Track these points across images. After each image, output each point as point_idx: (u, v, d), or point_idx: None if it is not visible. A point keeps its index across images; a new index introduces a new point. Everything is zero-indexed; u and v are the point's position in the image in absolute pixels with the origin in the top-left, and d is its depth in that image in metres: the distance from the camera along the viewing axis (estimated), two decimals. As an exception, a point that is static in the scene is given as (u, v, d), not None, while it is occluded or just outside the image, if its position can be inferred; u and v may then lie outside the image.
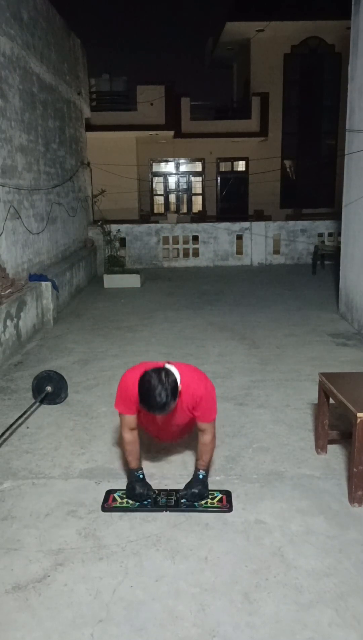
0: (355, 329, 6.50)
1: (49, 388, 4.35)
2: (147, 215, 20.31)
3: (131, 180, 18.52)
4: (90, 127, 13.17)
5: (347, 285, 6.94)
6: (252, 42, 20.11)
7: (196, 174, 22.51)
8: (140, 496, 2.95)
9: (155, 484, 3.13)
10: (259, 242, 12.22)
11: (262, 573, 2.45)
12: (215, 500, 2.98)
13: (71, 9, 12.80)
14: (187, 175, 22.58)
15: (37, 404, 4.35)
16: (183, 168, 22.52)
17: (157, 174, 22.40)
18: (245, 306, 7.94)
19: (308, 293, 8.84)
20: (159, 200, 22.53)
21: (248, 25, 19.20)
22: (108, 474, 3.33)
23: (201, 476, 3.00)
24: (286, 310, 7.59)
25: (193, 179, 22.56)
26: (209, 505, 2.95)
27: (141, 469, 3.05)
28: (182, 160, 22.26)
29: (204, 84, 29.36)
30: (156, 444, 3.55)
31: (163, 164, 22.30)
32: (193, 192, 22.62)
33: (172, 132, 19.61)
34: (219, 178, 22.19)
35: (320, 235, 12.37)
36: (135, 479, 3.01)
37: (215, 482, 3.20)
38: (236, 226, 12.44)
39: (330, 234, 12.31)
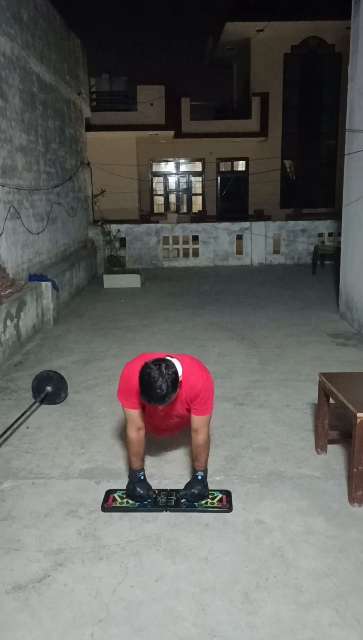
0: (355, 329, 6.50)
1: (49, 388, 4.35)
2: (147, 215, 20.31)
3: (131, 180, 18.52)
4: (90, 127, 13.17)
5: (347, 285, 6.94)
6: (252, 42, 20.11)
7: (196, 174, 22.52)
8: (140, 496, 2.95)
9: (155, 484, 3.13)
10: (259, 242, 12.22)
11: (262, 573, 2.45)
12: (215, 500, 2.98)
13: (71, 9, 12.81)
14: (187, 175, 22.59)
15: (37, 404, 4.35)
16: (183, 168, 22.53)
17: (157, 174, 22.41)
18: (245, 306, 7.94)
19: (308, 293, 8.84)
20: (159, 200, 22.54)
21: (248, 25, 19.20)
22: (108, 474, 3.33)
23: (199, 477, 3.00)
24: (286, 310, 7.60)
25: (193, 179, 22.57)
26: (209, 505, 2.95)
27: (143, 470, 3.05)
28: (182, 160, 22.26)
29: (204, 84, 29.39)
30: (156, 444, 3.55)
31: (163, 164, 22.30)
32: (193, 192, 22.62)
33: (172, 132, 19.61)
34: (219, 178, 22.20)
35: (320, 235, 12.37)
36: (136, 479, 3.01)
37: (215, 482, 3.20)
38: (236, 226, 12.44)
39: (330, 234, 12.31)
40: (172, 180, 22.51)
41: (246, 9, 18.87)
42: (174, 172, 22.45)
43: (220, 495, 3.02)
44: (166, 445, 3.58)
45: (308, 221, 12.74)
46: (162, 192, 22.51)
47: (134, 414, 2.91)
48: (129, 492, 2.99)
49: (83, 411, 4.31)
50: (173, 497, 2.99)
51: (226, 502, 2.97)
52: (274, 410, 4.24)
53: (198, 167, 22.41)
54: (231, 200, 22.06)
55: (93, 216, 12.42)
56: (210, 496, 3.01)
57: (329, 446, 3.55)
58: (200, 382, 2.81)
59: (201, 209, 21.86)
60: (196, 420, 2.89)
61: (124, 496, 3.02)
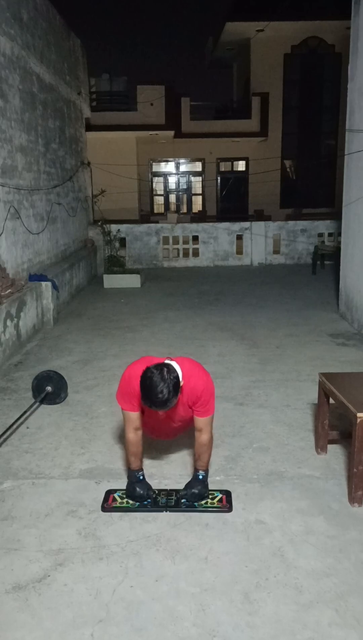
0: (355, 329, 6.50)
1: (49, 388, 4.35)
2: (147, 215, 20.31)
3: (131, 180, 18.51)
4: (90, 127, 13.17)
5: (347, 285, 6.94)
6: (252, 42, 20.11)
7: (196, 174, 22.51)
8: (140, 497, 2.95)
9: (155, 484, 3.13)
10: (259, 242, 12.22)
11: (262, 573, 2.45)
12: (215, 500, 2.98)
13: (71, 9, 12.81)
14: (187, 175, 22.59)
15: (37, 404, 4.35)
16: (183, 168, 22.53)
17: (157, 174, 22.40)
18: (245, 306, 7.94)
19: (308, 293, 8.84)
20: (159, 200, 22.54)
21: (248, 25, 19.20)
22: (108, 474, 3.33)
23: (200, 476, 3.00)
24: (286, 310, 7.60)
25: (193, 179, 22.57)
26: (209, 505, 2.95)
27: (141, 470, 3.05)
28: (182, 160, 22.26)
29: (204, 84, 29.37)
30: (156, 444, 3.55)
31: (163, 164, 22.30)
32: (193, 192, 22.62)
33: (172, 132, 19.61)
34: (219, 178, 22.19)
35: (320, 235, 12.37)
36: (135, 479, 3.01)
37: (215, 482, 3.20)
38: (236, 226, 12.43)
39: (330, 234, 12.31)
40: (172, 180, 22.51)
41: (246, 9, 18.87)
42: (174, 172, 22.44)
43: (220, 495, 3.02)
44: (166, 445, 3.58)
45: (308, 221, 12.73)
46: (162, 192, 22.51)
47: (133, 416, 2.92)
48: (129, 492, 2.99)
49: (83, 411, 4.31)
50: (173, 497, 2.99)
51: (226, 502, 2.97)
52: (274, 410, 4.24)
53: (198, 167, 22.40)
54: (231, 200, 22.06)
55: (93, 216, 12.42)
56: (210, 496, 3.01)
57: (329, 446, 3.55)
58: (201, 384, 2.81)
59: (201, 209, 21.86)
60: (200, 420, 2.91)
61: (124, 496, 3.02)
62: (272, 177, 20.27)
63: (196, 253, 12.30)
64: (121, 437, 3.69)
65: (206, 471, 3.04)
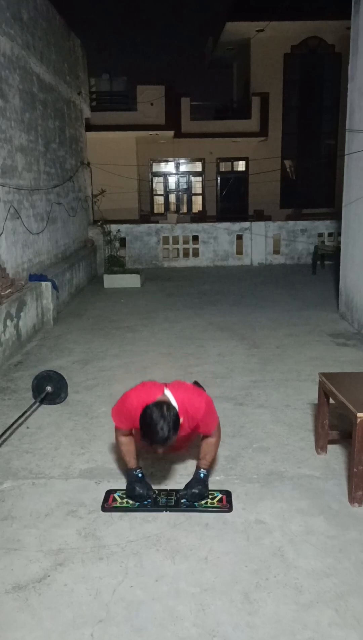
0: (355, 329, 6.50)
1: (49, 388, 4.35)
2: (147, 215, 20.31)
3: (131, 180, 18.52)
4: (90, 127, 13.17)
5: (347, 285, 6.94)
6: (252, 42, 20.12)
7: (196, 174, 22.52)
8: (140, 496, 2.95)
9: (155, 484, 3.13)
10: (259, 242, 12.22)
11: (262, 573, 2.45)
12: (215, 500, 2.98)
13: (71, 9, 12.81)
14: (187, 175, 22.59)
15: (37, 404, 4.35)
16: (183, 168, 22.53)
17: (157, 174, 22.41)
18: (245, 306, 7.94)
19: (308, 293, 8.84)
20: (159, 200, 22.54)
21: (248, 25, 19.21)
22: (108, 474, 3.33)
23: (202, 475, 3.00)
24: (286, 311, 7.59)
25: (193, 179, 22.57)
26: (209, 505, 2.95)
27: (139, 467, 3.05)
28: (182, 160, 22.26)
29: (204, 84, 29.40)
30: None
31: (163, 164, 22.30)
32: (193, 192, 22.63)
33: (172, 132, 19.62)
34: (219, 178, 22.20)
35: (320, 235, 12.37)
36: (134, 478, 3.01)
37: (215, 482, 3.20)
38: (236, 226, 12.44)
39: (330, 234, 12.31)
40: (172, 180, 22.51)
41: (246, 9, 18.88)
42: (174, 172, 22.45)
43: (220, 495, 3.02)
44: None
45: (308, 221, 12.74)
46: (162, 192, 22.52)
47: (125, 432, 2.99)
48: (129, 492, 2.99)
49: (83, 411, 4.31)
50: (173, 497, 2.99)
51: (226, 502, 2.97)
52: (274, 410, 4.24)
53: (198, 167, 22.41)
54: (231, 200, 22.07)
55: (93, 216, 12.42)
56: (210, 496, 3.01)
57: (329, 446, 3.55)
58: (200, 412, 2.85)
59: (201, 209, 21.86)
60: (207, 435, 2.99)
61: (124, 496, 3.02)
62: (272, 177, 20.28)
63: (196, 253, 12.30)
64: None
65: (208, 471, 3.05)
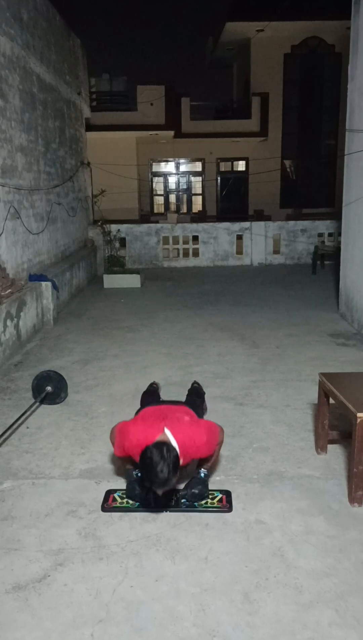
0: (355, 329, 6.50)
1: (49, 388, 4.35)
2: (147, 215, 20.32)
3: (131, 180, 18.52)
4: (90, 127, 13.17)
5: (347, 285, 6.94)
6: (252, 42, 20.12)
7: (196, 174, 22.52)
8: (140, 496, 2.95)
9: (155, 484, 3.13)
10: (259, 242, 12.22)
11: (262, 573, 2.45)
12: (215, 500, 2.98)
13: (71, 9, 12.81)
14: (187, 175, 22.59)
15: (37, 404, 4.35)
16: (183, 168, 22.53)
17: (157, 174, 22.41)
18: (245, 306, 7.94)
19: (308, 293, 8.84)
20: (159, 200, 22.55)
21: (248, 25, 19.22)
22: (108, 474, 3.33)
23: (202, 475, 3.00)
24: (286, 311, 7.59)
25: (193, 179, 22.57)
26: (209, 505, 2.95)
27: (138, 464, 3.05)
28: (182, 160, 22.27)
29: (204, 84, 29.40)
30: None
31: (163, 164, 22.31)
32: (193, 192, 22.63)
33: (172, 132, 19.62)
34: (219, 178, 22.20)
35: (320, 235, 12.37)
36: (134, 478, 3.01)
37: (215, 482, 3.20)
38: (236, 226, 12.43)
39: (330, 234, 12.31)
40: (172, 180, 22.52)
41: (246, 9, 18.89)
42: (174, 172, 22.45)
43: (220, 495, 3.02)
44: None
45: (308, 221, 12.73)
46: (162, 192, 22.52)
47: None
48: (129, 492, 2.99)
49: (83, 411, 4.31)
50: (173, 497, 2.99)
51: (226, 502, 2.97)
52: (274, 410, 4.24)
53: (198, 167, 22.41)
54: (231, 200, 22.07)
55: (93, 216, 12.42)
56: (210, 496, 3.01)
57: (329, 446, 3.55)
58: (201, 449, 2.84)
59: (201, 209, 21.87)
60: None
61: (124, 496, 3.02)
62: (272, 177, 20.29)
63: (196, 253, 12.30)
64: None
65: (209, 471, 3.05)
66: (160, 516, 2.88)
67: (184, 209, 22.25)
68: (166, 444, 2.66)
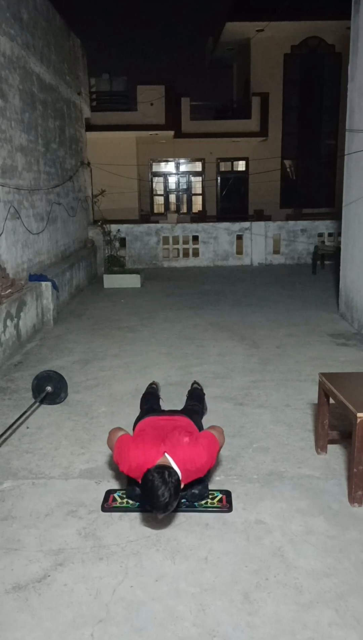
0: (355, 329, 6.50)
1: (49, 388, 4.35)
2: (147, 215, 20.32)
3: (131, 180, 18.53)
4: (90, 127, 13.18)
5: (347, 285, 6.94)
6: (252, 42, 20.12)
7: (196, 174, 22.52)
8: (140, 496, 2.95)
9: (155, 484, 3.13)
10: (259, 242, 12.22)
11: (262, 573, 2.45)
12: (215, 500, 2.98)
13: (71, 9, 12.82)
14: (187, 175, 22.60)
15: (37, 404, 4.35)
16: (183, 168, 22.54)
17: (157, 174, 22.41)
18: (245, 306, 7.94)
19: (308, 293, 8.84)
20: (159, 200, 22.55)
21: (248, 25, 19.22)
22: (108, 474, 3.34)
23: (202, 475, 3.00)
24: (286, 311, 7.59)
25: (193, 179, 22.58)
26: (209, 505, 2.95)
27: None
28: (182, 160, 22.27)
29: (204, 84, 29.43)
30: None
31: (163, 164, 22.31)
32: (193, 192, 22.63)
33: (172, 132, 19.63)
34: (219, 178, 22.21)
35: (320, 235, 12.37)
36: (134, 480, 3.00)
37: (215, 482, 3.20)
38: (236, 226, 12.44)
39: (330, 234, 12.31)
40: (172, 180, 22.52)
41: (246, 9, 18.90)
42: (174, 172, 22.45)
43: (220, 495, 3.02)
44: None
45: (308, 221, 12.73)
46: (162, 192, 22.52)
47: None
48: (129, 492, 2.99)
49: (83, 411, 4.31)
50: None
51: (226, 502, 2.96)
52: (274, 410, 4.24)
53: (198, 167, 22.42)
54: (231, 200, 22.08)
55: (93, 216, 12.42)
56: (210, 496, 3.01)
57: (329, 446, 3.55)
58: (202, 468, 2.80)
59: (201, 209, 21.87)
60: None
61: (124, 496, 3.02)
62: (272, 177, 20.29)
63: (196, 253, 12.30)
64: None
65: (209, 471, 3.04)
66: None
67: (184, 209, 22.26)
68: (168, 468, 2.64)
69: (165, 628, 2.16)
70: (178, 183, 22.50)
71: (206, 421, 3.63)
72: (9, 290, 6.01)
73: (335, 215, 11.41)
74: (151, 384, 4.29)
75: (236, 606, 2.26)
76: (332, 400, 3.35)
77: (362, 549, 2.60)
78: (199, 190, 22.52)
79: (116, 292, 9.28)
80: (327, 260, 11.17)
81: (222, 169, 22.23)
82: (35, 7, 7.89)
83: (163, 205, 22.33)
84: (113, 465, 3.43)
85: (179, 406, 3.81)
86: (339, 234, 9.11)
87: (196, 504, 2.94)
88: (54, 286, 7.15)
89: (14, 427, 3.94)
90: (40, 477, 3.33)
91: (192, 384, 4.29)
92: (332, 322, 6.91)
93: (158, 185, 22.47)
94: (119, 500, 3.00)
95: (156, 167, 22.31)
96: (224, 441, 3.14)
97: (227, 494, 3.04)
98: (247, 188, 21.69)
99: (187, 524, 2.81)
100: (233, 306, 7.98)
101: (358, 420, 2.87)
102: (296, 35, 20.40)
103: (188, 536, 2.72)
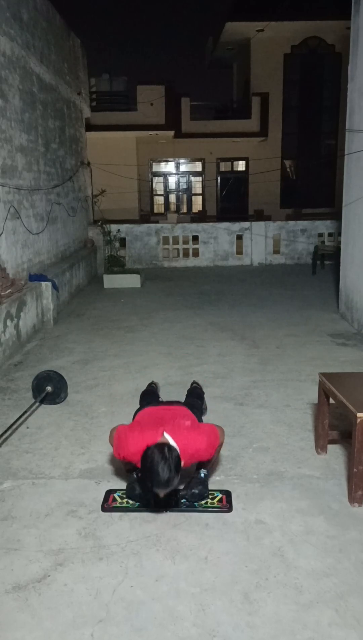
0: (355, 329, 6.50)
1: (49, 388, 4.35)
2: (147, 215, 20.32)
3: (131, 180, 18.52)
4: (90, 127, 13.18)
5: (347, 285, 6.94)
6: (252, 42, 20.12)
7: (196, 174, 22.52)
8: (140, 496, 2.95)
9: (155, 484, 3.13)
10: (259, 242, 12.22)
11: (262, 573, 2.45)
12: (215, 500, 2.98)
13: (71, 9, 12.82)
14: (187, 175, 22.59)
15: (37, 404, 4.35)
16: (183, 168, 22.53)
17: (157, 174, 22.41)
18: (245, 306, 7.94)
19: (308, 293, 8.84)
20: (159, 200, 22.55)
21: (248, 25, 19.21)
22: (108, 474, 3.33)
23: (202, 475, 3.00)
24: (286, 311, 7.60)
25: (193, 179, 22.57)
26: (209, 505, 2.95)
27: (139, 467, 3.05)
28: (182, 160, 22.27)
29: (204, 84, 29.44)
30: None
31: (163, 164, 22.31)
32: (193, 192, 22.63)
33: (172, 132, 19.62)
34: (219, 178, 22.20)
35: (320, 235, 12.37)
36: (134, 479, 3.01)
37: (215, 482, 3.20)
38: (236, 226, 12.44)
39: (330, 234, 12.31)
40: (172, 180, 22.51)
41: (246, 9, 18.89)
42: (174, 172, 22.45)
43: (220, 495, 3.02)
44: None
45: (308, 221, 12.74)
46: (162, 192, 22.52)
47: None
48: (129, 492, 2.99)
49: (83, 411, 4.31)
50: (173, 497, 2.99)
51: (226, 502, 2.96)
52: (274, 410, 4.24)
53: (198, 167, 22.41)
54: (231, 200, 22.07)
55: (93, 216, 12.42)
56: (210, 496, 3.01)
57: (329, 446, 3.55)
58: (201, 452, 2.83)
59: (201, 209, 21.86)
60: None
61: (124, 496, 3.02)
62: (272, 177, 20.29)
63: (196, 253, 12.30)
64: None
65: (209, 471, 3.05)
66: (160, 516, 2.88)
67: (184, 209, 22.25)
68: (167, 445, 2.66)
69: (165, 628, 2.16)
70: (178, 183, 22.49)
71: (206, 421, 3.62)
72: (9, 290, 6.01)
73: (335, 215, 11.41)
74: (150, 384, 4.29)
75: (236, 606, 2.26)
76: (332, 400, 3.35)
77: (362, 549, 2.61)
78: (199, 190, 22.52)
79: (116, 292, 9.28)
80: (327, 260, 11.17)
81: (222, 169, 22.23)
82: (35, 7, 7.89)
83: (163, 205, 22.32)
84: (113, 465, 3.44)
85: (179, 406, 3.81)
86: (339, 234, 9.11)
87: (196, 504, 2.94)
88: (54, 286, 7.15)
89: (14, 427, 3.94)
90: (40, 477, 3.33)
91: (191, 384, 4.29)
92: (332, 322, 6.91)
93: (158, 185, 22.47)
94: (119, 500, 3.00)
95: (156, 167, 22.31)
96: (225, 441, 3.15)
97: (227, 494, 3.04)
98: (247, 188, 21.69)
99: (187, 524, 2.81)
100: (233, 306, 7.98)
101: (358, 420, 2.87)
102: (296, 35, 20.39)
103: (188, 536, 2.72)
